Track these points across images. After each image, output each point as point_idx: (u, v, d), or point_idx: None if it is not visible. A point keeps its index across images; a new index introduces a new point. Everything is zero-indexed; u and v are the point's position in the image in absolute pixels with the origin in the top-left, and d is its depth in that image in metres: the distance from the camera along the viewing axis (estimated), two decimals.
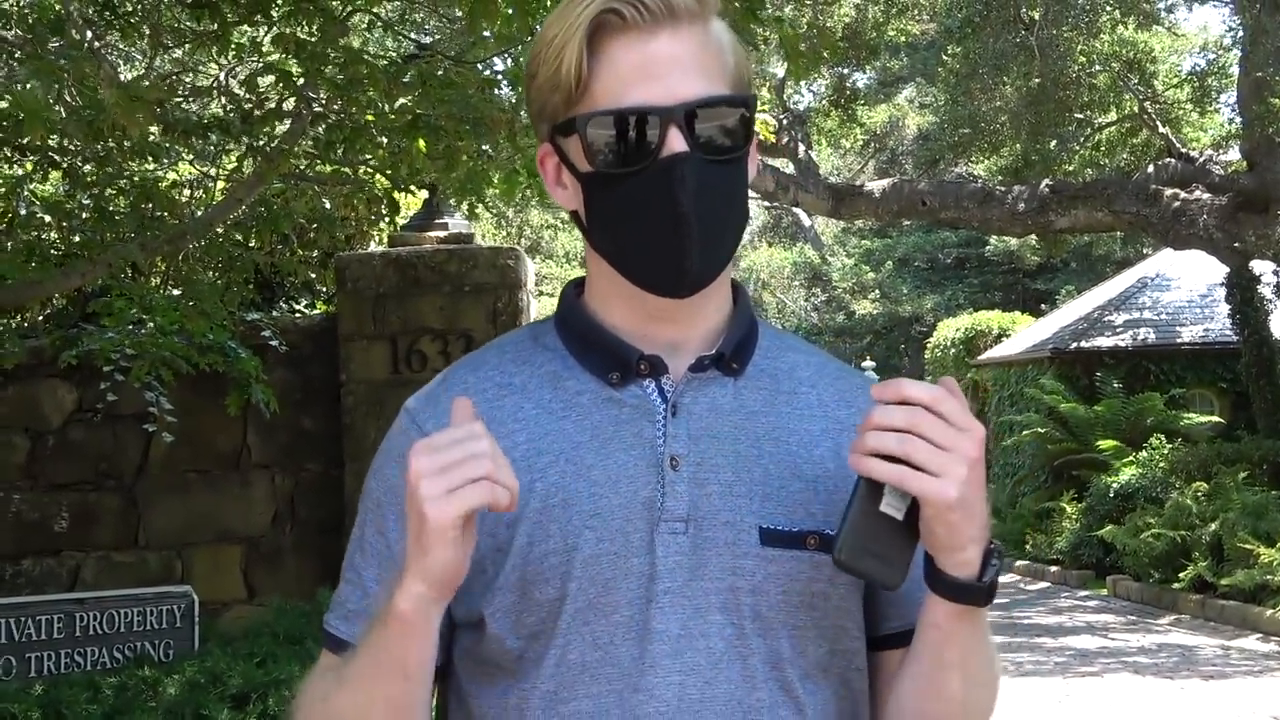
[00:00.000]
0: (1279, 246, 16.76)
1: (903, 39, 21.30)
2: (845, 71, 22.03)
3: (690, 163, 1.62)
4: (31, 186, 8.76)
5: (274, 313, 10.63)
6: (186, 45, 8.30)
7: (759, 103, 19.31)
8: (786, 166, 20.98)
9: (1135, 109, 21.29)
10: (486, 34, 7.01)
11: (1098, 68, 20.66)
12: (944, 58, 21.32)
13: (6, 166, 8.38)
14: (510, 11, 6.32)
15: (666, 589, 1.67)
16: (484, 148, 7.25)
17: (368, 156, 7.81)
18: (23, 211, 8.91)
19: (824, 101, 22.74)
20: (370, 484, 1.82)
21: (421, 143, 6.76)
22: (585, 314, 1.81)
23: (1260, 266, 19.60)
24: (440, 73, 6.73)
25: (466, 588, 1.66)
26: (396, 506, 1.69)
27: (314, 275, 11.24)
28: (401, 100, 6.68)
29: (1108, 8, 20.35)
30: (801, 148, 20.78)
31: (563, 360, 1.79)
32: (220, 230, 9.05)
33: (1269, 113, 15.89)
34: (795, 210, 35.98)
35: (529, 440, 1.72)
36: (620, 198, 1.67)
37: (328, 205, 9.43)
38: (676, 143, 1.62)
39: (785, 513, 1.71)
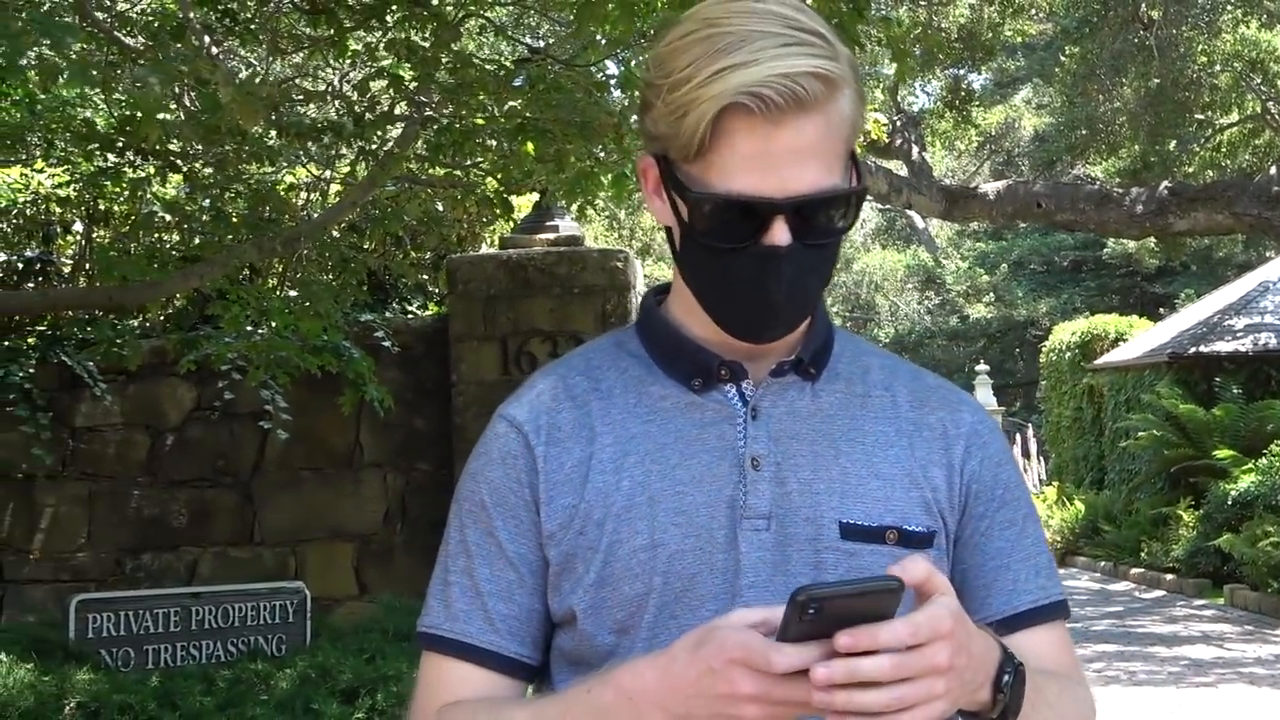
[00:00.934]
0: None
1: (1019, 39, 21.05)
2: (960, 72, 21.83)
3: (789, 255, 1.65)
4: (153, 190, 8.93)
5: (387, 314, 10.75)
6: (304, 51, 8.42)
7: (871, 104, 19.20)
8: (900, 168, 20.85)
9: (1258, 109, 20.94)
10: (596, 37, 7.06)
11: (1219, 68, 20.32)
12: (1061, 58, 21.08)
13: (130, 170, 8.54)
14: (618, 14, 6.36)
15: (751, 583, 1.71)
16: (592, 150, 7.29)
17: (478, 159, 7.87)
18: (144, 213, 9.11)
19: (939, 103, 22.54)
20: (468, 486, 1.85)
21: (530, 146, 6.81)
22: (667, 322, 1.86)
23: None
24: (550, 76, 6.76)
25: (558, 586, 1.77)
26: (503, 509, 1.79)
27: (426, 277, 11.36)
28: (511, 104, 6.73)
29: (1229, 7, 20.02)
30: (915, 149, 20.64)
31: (646, 367, 1.84)
32: (334, 233, 9.19)
33: None
34: (909, 213, 35.77)
35: (615, 442, 1.78)
36: (716, 264, 1.71)
37: (439, 208, 9.54)
38: (779, 235, 1.64)
39: (864, 509, 1.76)
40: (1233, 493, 18.13)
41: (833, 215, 1.68)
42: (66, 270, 10.89)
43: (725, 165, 1.64)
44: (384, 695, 7.42)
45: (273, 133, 7.33)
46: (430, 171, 8.30)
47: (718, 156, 1.64)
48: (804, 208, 1.64)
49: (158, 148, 7.48)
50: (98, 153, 8.27)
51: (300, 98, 7.43)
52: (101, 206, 10.37)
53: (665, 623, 1.71)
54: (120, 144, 7.88)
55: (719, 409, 1.79)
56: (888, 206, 30.15)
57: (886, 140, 19.23)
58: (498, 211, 8.90)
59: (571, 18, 7.23)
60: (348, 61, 8.16)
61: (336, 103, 7.70)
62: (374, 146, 7.32)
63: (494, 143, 7.16)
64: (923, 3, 18.89)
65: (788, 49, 1.61)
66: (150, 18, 7.66)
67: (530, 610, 1.80)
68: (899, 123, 20.44)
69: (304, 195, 9.69)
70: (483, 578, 1.80)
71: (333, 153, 8.20)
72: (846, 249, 43.27)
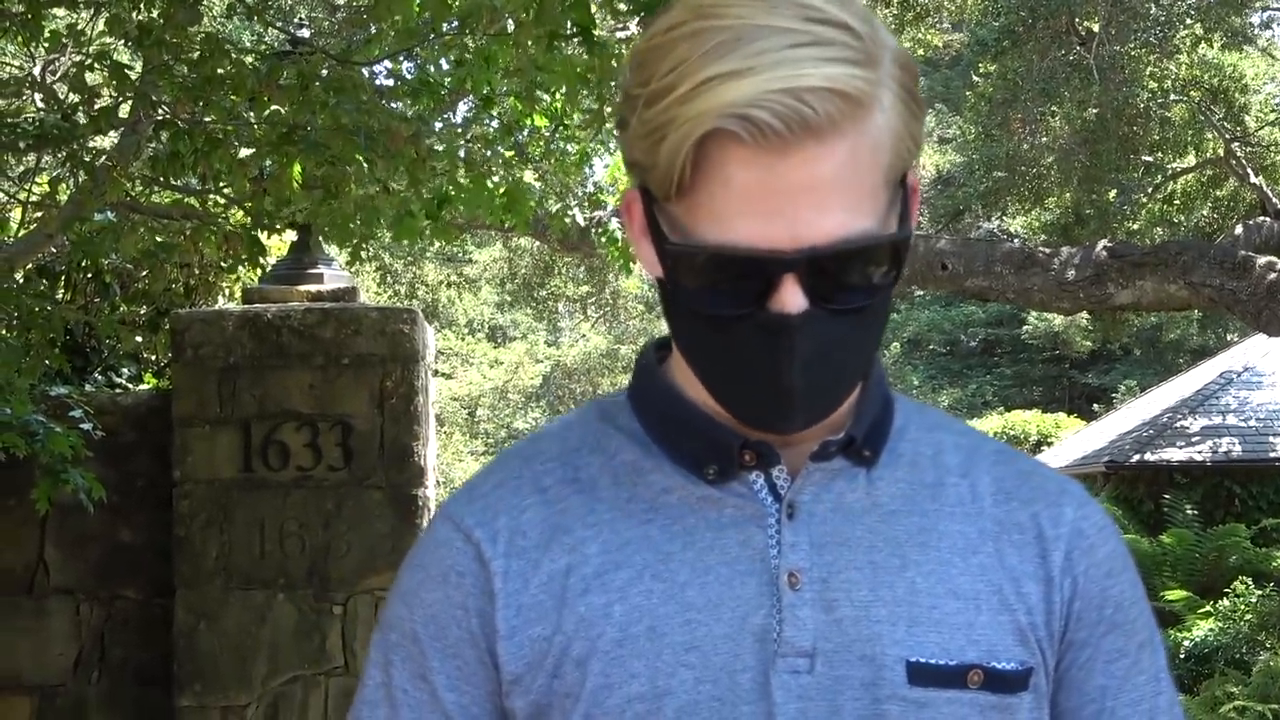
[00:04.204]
0: None
1: (920, 52, 21.53)
2: None
3: (805, 325, 1.54)
4: None
5: (87, 387, 10.58)
6: None
7: None
8: None
9: (1220, 151, 21.62)
10: (385, 28, 7.07)
11: (1173, 97, 20.98)
12: (974, 79, 21.62)
13: None
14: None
15: None
16: (377, 174, 7.27)
17: (221, 183, 7.78)
18: None
19: None
20: (398, 612, 1.77)
21: (296, 167, 6.76)
22: (670, 388, 1.76)
23: None
24: (323, 75, 6.76)
25: None
26: (442, 645, 1.70)
27: (141, 339, 11.20)
28: (273, 106, 6.69)
29: (1187, 20, 20.67)
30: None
31: (643, 447, 1.74)
32: (20, 277, 9.02)
33: None
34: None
35: (603, 551, 1.68)
36: (712, 331, 1.60)
37: (161, 244, 9.41)
38: (790, 299, 1.52)
39: (939, 641, 1.64)
40: (1186, 643, 18.59)
41: (867, 270, 1.56)
42: None
43: (715, 208, 1.53)
44: None
45: None
46: (155, 198, 8.21)
47: (704, 196, 1.54)
48: (823, 262, 1.52)
49: None
50: None
51: None
52: None
53: None
54: None
55: (742, 506, 1.68)
56: None
57: None
58: (243, 253, 8.82)
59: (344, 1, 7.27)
60: (46, 47, 8.05)
61: (37, 97, 7.60)
62: (87, 158, 7.22)
63: (248, 153, 7.08)
64: None
65: (798, 51, 1.48)
66: None
67: None
68: None
69: None
70: None
71: (24, 166, 8.08)
72: None
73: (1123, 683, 1.74)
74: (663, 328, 1.81)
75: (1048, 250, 19.33)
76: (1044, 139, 21.29)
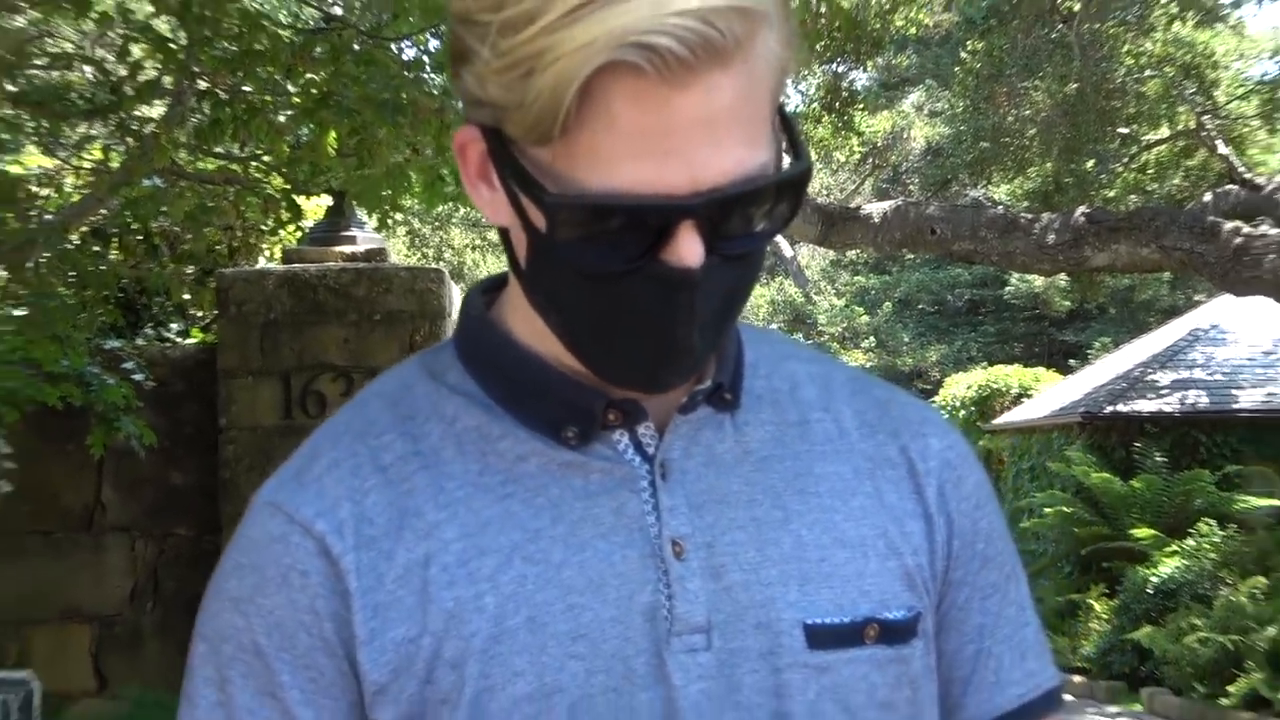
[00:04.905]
0: None
1: (912, 31, 21.44)
2: (841, 69, 22.15)
3: (707, 276, 1.28)
4: None
5: (138, 340, 10.55)
6: (39, 7, 8.24)
7: None
8: None
9: (1192, 124, 21.55)
10: (405, 4, 7.02)
11: (1148, 72, 20.90)
12: (962, 55, 21.51)
13: None
14: None
15: None
16: (405, 144, 7.23)
17: (260, 151, 7.76)
18: None
19: (814, 104, 22.81)
20: (231, 621, 1.42)
21: (332, 134, 6.73)
22: (508, 338, 1.47)
23: None
24: (355, 48, 6.71)
25: None
26: (292, 656, 1.38)
27: (189, 296, 11.17)
28: (308, 76, 6.65)
29: (1162, 1, 20.60)
30: (786, 159, 20.86)
31: (485, 410, 1.45)
32: (76, 238, 8.99)
33: None
34: (778, 238, 36.21)
35: (463, 535, 1.39)
36: (591, 288, 1.32)
37: (208, 212, 9.38)
38: (689, 250, 1.26)
39: (832, 598, 1.43)
40: (1153, 579, 18.57)
41: (766, 210, 1.32)
42: None
43: (600, 151, 1.24)
44: None
45: (4, 110, 7.17)
46: (200, 164, 8.17)
47: (586, 139, 1.24)
48: (723, 205, 1.27)
49: None
50: None
51: (41, 62, 7.26)
52: None
53: None
54: None
55: (609, 469, 1.42)
56: None
57: None
58: (284, 216, 8.79)
59: None
60: (95, 24, 8.00)
61: (87, 70, 7.55)
62: (135, 127, 7.18)
63: (284, 118, 7.03)
64: None
65: None
66: None
67: None
68: None
69: (39, 189, 9.44)
70: None
71: (77, 134, 8.03)
72: None
73: (997, 619, 1.55)
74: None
75: (1029, 216, 19.25)
76: (1027, 112, 21.20)
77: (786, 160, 1.35)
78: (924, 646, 1.47)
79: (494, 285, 1.54)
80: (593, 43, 1.19)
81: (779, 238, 36.19)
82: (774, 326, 46.53)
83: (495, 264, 37.50)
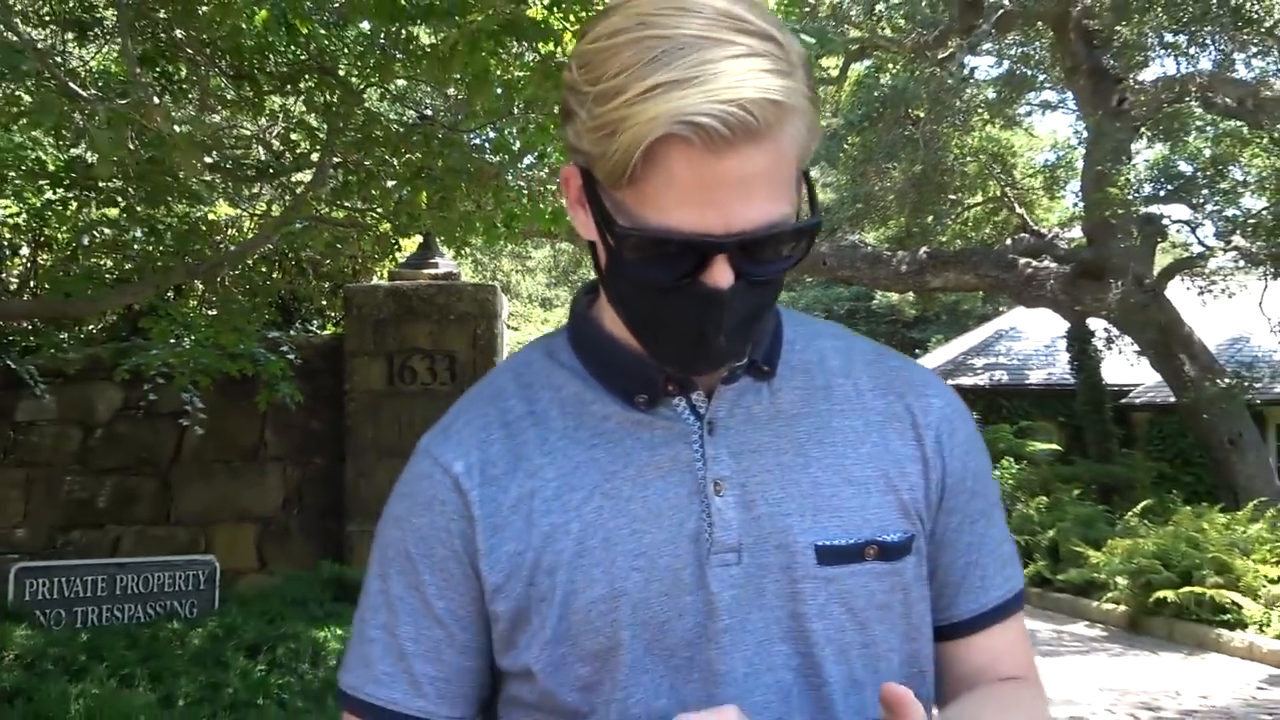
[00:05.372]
0: (1110, 307, 17.01)
1: (840, 106, 21.44)
2: None
3: (734, 296, 1.24)
4: (92, 216, 8.64)
5: (291, 332, 10.54)
6: (228, 109, 8.23)
7: None
8: None
9: (998, 193, 21.63)
10: (476, 108, 7.00)
11: (969, 158, 20.97)
12: (845, 146, 21.50)
13: (74, 204, 8.26)
14: (499, 91, 6.32)
15: (726, 626, 1.31)
16: (473, 200, 7.22)
17: (376, 205, 7.77)
18: (85, 242, 8.82)
19: None
20: (391, 533, 1.40)
21: (424, 194, 6.72)
22: (600, 328, 1.41)
23: (1094, 324, 19.88)
24: (441, 134, 6.69)
25: (511, 641, 1.34)
26: (431, 561, 1.35)
27: (325, 302, 11.15)
28: (408, 155, 6.64)
29: (979, 110, 20.66)
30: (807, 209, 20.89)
31: (583, 381, 1.40)
32: (250, 262, 8.98)
33: (1106, 199, 16.14)
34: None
35: (559, 475, 1.34)
36: (647, 296, 1.28)
37: (339, 245, 9.37)
38: (721, 275, 1.22)
39: (840, 525, 1.35)
40: None
41: (782, 249, 1.26)
42: (13, 288, 10.49)
43: (659, 198, 1.21)
44: (283, 650, 7.25)
45: (205, 175, 7.13)
46: (334, 213, 8.16)
47: (650, 188, 1.21)
48: (749, 245, 1.23)
49: (100, 184, 7.25)
50: (46, 186, 7.98)
51: (231, 144, 7.24)
52: (46, 233, 10.02)
53: (637, 678, 1.30)
54: (66, 181, 7.60)
55: (670, 426, 1.36)
56: None
57: None
58: (391, 247, 8.78)
59: (456, 93, 7.19)
60: (266, 119, 8.00)
61: (259, 148, 7.53)
62: (291, 187, 7.16)
63: (392, 184, 7.02)
64: None
65: (736, 63, 1.18)
66: (97, 75, 7.42)
67: (460, 669, 1.37)
68: None
69: (226, 230, 9.43)
70: (406, 636, 1.37)
71: (252, 192, 8.01)
72: None
73: (983, 538, 1.46)
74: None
75: (890, 252, 19.26)
76: (888, 184, 21.20)
77: (806, 209, 1.30)
78: (916, 561, 1.39)
79: (592, 288, 1.46)
80: (657, 118, 1.16)
81: None
82: None
83: (530, 282, 37.40)
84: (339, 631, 7.67)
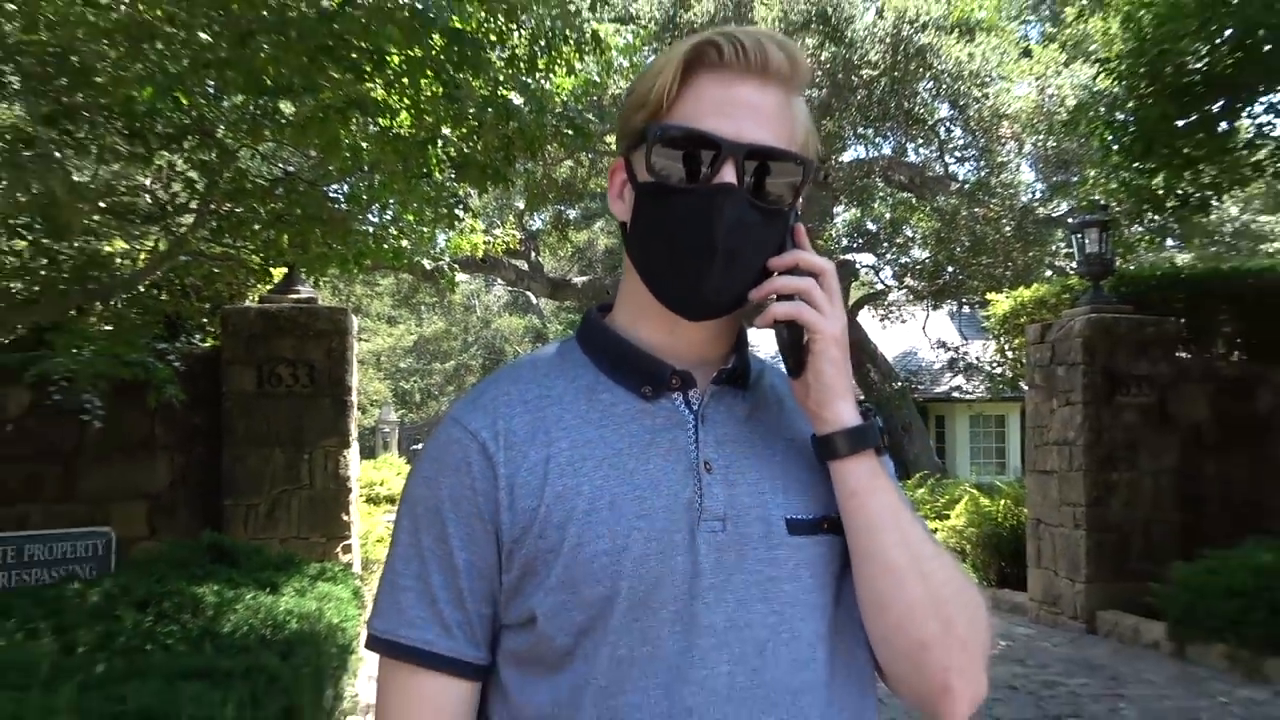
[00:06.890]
0: None
1: (599, 189, 21.55)
2: (562, 208, 22.17)
3: (734, 197, 1.20)
4: (2, 247, 8.03)
5: (177, 344, 10.01)
6: (121, 162, 7.76)
7: (506, 224, 19.21)
8: (523, 265, 21.00)
9: None
10: (331, 168, 6.79)
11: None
12: None
13: None
14: (348, 155, 6.14)
15: (710, 584, 1.24)
16: (327, 241, 7.00)
17: (246, 245, 7.45)
18: None
19: (548, 225, 22.84)
20: (420, 491, 1.29)
21: (285, 236, 6.48)
22: (614, 332, 1.35)
23: None
24: (301, 189, 6.46)
25: (519, 589, 1.25)
26: (458, 516, 1.26)
27: (206, 320, 10.63)
28: (272, 205, 6.38)
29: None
30: (533, 253, 20.83)
31: (594, 375, 1.33)
32: (141, 287, 8.46)
33: (817, 250, 16.71)
34: (528, 294, 36.02)
35: (572, 446, 1.27)
36: (664, 212, 1.23)
37: (216, 271, 8.94)
38: (728, 175, 1.19)
39: (803, 503, 1.30)
40: None
41: (779, 183, 1.23)
42: None
43: (689, 111, 1.21)
44: (168, 604, 6.85)
45: (95, 223, 6.70)
46: (212, 249, 7.78)
47: (682, 105, 1.21)
48: (755, 157, 1.20)
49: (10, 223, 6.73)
50: None
51: (123, 192, 6.82)
52: None
53: (628, 626, 1.22)
54: None
55: (670, 415, 1.30)
56: (514, 288, 30.25)
57: (517, 246, 19.36)
58: (260, 277, 8.43)
59: (314, 153, 6.93)
60: (154, 171, 7.57)
61: (147, 196, 7.12)
62: (175, 229, 6.79)
63: (259, 227, 6.74)
64: (541, 162, 19.09)
65: (760, 31, 1.22)
66: (4, 130, 6.90)
67: (478, 615, 1.28)
68: (522, 236, 20.61)
69: (120, 261, 8.88)
70: (436, 584, 1.27)
71: (142, 231, 7.57)
72: (488, 313, 43.11)
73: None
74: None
75: None
76: None
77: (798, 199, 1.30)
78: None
79: (604, 307, 1.40)
80: (692, 44, 1.19)
81: (530, 294, 35.99)
82: (526, 340, 46.44)
83: (378, 304, 36.46)
84: (215, 588, 7.31)
